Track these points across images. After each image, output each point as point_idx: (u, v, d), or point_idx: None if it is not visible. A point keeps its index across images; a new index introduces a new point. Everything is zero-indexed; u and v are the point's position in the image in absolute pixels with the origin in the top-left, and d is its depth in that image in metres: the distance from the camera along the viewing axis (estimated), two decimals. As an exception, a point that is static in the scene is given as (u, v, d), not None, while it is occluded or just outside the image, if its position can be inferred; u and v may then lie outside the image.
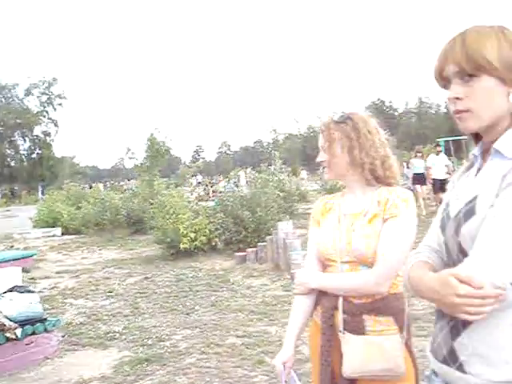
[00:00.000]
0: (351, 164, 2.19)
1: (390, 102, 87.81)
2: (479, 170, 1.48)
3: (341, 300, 2.13)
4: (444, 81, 1.47)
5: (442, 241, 1.51)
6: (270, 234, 10.32)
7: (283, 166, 16.57)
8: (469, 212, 1.39)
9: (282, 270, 9.07)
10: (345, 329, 2.11)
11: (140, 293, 8.42)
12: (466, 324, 1.36)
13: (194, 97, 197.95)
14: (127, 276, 9.77)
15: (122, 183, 39.39)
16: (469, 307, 1.23)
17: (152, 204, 12.94)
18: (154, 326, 6.50)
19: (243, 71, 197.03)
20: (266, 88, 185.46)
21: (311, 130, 71.98)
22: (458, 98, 1.42)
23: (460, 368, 1.38)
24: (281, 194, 12.66)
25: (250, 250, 10.51)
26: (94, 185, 39.70)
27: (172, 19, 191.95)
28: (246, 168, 25.61)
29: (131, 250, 13.50)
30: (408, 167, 17.31)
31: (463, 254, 1.37)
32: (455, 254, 1.43)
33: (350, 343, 2.09)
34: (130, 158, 20.04)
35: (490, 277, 1.23)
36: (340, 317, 2.12)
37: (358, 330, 2.09)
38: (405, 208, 2.10)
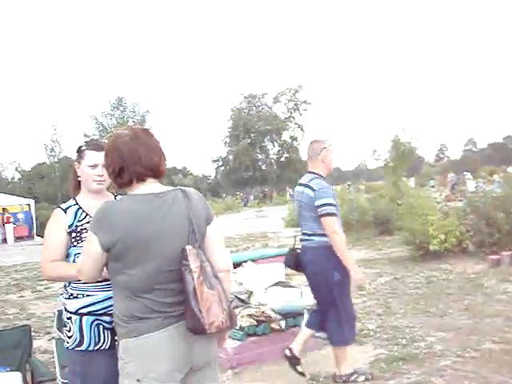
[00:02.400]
0: None
1: None
2: None
3: None
4: None
5: None
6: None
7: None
8: None
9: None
10: None
11: (391, 293, 8.54)
12: None
13: (438, 94, 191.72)
14: (377, 276, 9.93)
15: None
16: None
17: (399, 205, 12.96)
18: (407, 327, 6.57)
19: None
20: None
21: None
22: None
23: None
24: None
25: (504, 253, 10.03)
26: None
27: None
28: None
29: (379, 250, 13.66)
30: None
31: None
32: None
33: None
34: (376, 160, 20.20)
35: None
36: None
37: None
38: None
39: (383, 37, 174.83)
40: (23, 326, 4.32)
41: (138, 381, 2.38)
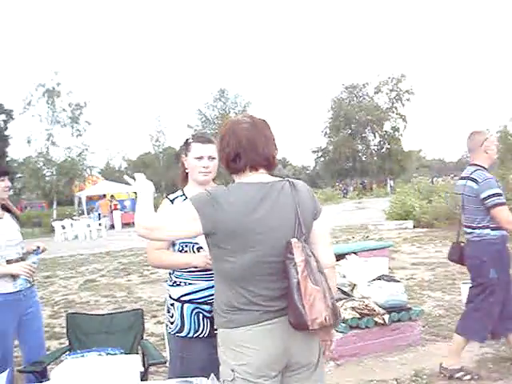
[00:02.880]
0: None
1: None
2: None
3: None
4: None
5: None
6: None
7: None
8: None
9: None
10: None
11: (498, 291, 8.19)
12: None
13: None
14: (484, 272, 9.56)
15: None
16: None
17: (509, 199, 12.41)
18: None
19: None
20: None
21: None
22: None
23: None
24: None
25: None
26: (434, 179, 39.21)
27: None
28: None
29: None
30: None
31: None
32: None
33: None
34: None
35: None
36: None
37: None
38: None
39: (488, 22, 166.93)
40: (137, 309, 4.48)
41: (232, 370, 2.40)
